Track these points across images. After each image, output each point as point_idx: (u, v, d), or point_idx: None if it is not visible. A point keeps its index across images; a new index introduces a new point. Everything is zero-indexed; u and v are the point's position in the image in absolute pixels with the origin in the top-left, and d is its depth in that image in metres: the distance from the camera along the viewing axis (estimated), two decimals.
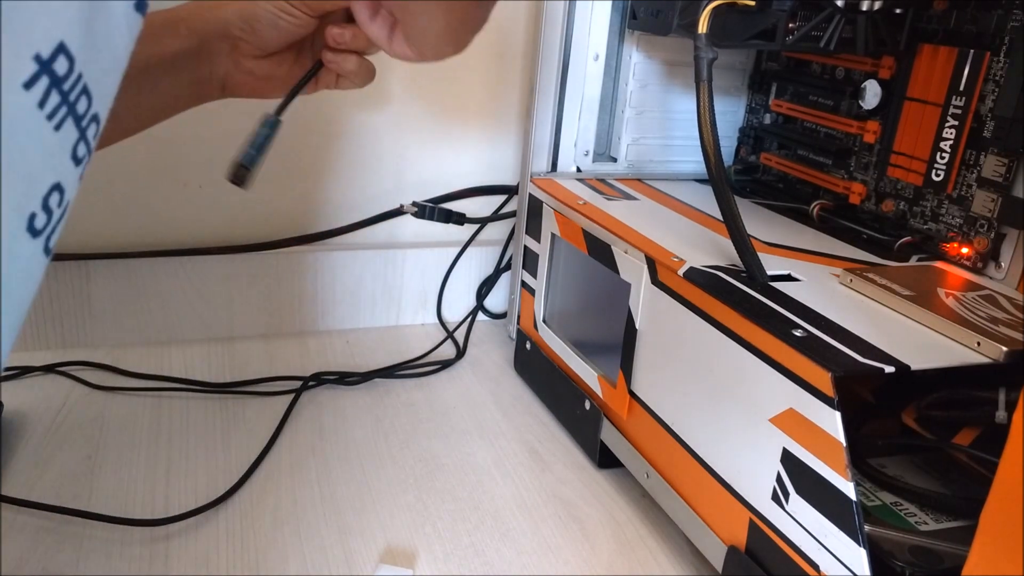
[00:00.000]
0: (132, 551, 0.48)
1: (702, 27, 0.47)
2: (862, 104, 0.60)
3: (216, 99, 0.52)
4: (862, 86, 0.60)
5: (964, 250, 0.53)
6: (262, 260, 0.74)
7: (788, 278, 0.49)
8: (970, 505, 0.42)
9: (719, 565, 0.46)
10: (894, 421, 0.47)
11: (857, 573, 0.37)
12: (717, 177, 0.46)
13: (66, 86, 0.22)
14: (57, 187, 0.23)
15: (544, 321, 0.67)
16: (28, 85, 0.21)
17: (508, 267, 0.82)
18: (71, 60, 0.22)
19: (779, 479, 0.41)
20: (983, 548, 0.29)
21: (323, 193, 0.78)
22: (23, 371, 0.66)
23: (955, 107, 0.53)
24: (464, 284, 0.83)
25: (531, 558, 0.50)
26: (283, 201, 0.77)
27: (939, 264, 0.54)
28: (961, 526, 0.42)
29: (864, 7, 0.52)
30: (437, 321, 0.82)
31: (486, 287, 0.83)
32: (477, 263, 0.82)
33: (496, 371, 0.74)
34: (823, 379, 0.37)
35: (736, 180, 0.73)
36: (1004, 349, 0.39)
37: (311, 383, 0.68)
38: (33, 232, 0.23)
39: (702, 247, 0.53)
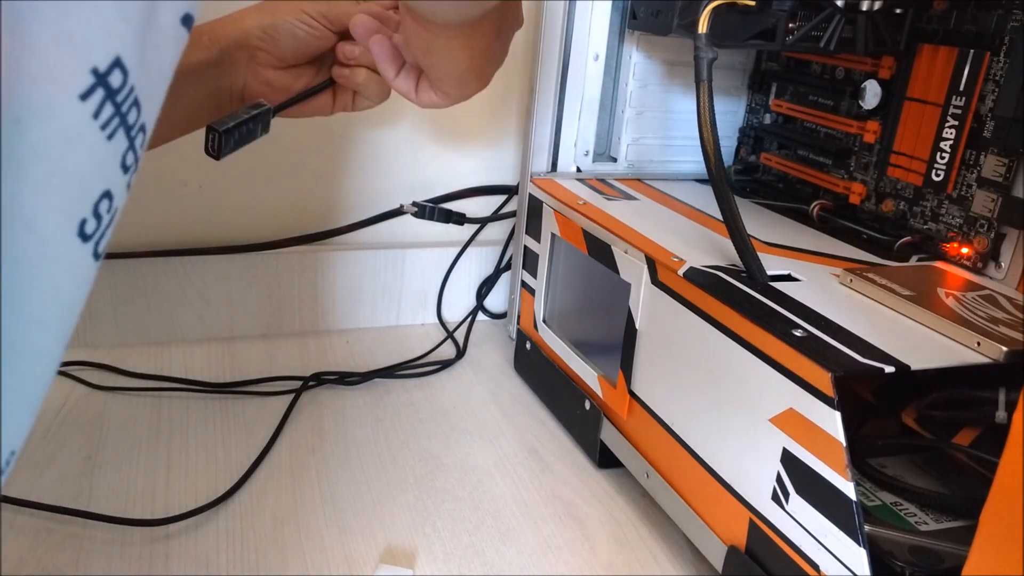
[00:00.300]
0: (132, 551, 0.48)
1: (702, 27, 0.47)
2: (862, 104, 0.60)
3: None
4: (862, 86, 0.60)
5: (964, 250, 0.53)
6: (262, 260, 0.74)
7: (788, 278, 0.49)
8: (970, 505, 0.42)
9: (719, 565, 0.46)
10: (894, 421, 0.47)
11: (857, 573, 0.37)
12: (717, 177, 0.47)
13: (119, 98, 0.23)
14: (107, 194, 0.24)
15: (544, 321, 0.67)
16: (84, 97, 0.22)
17: (508, 267, 0.83)
18: (125, 73, 0.23)
19: (779, 479, 0.41)
20: (983, 548, 0.29)
21: (323, 193, 0.78)
22: None
23: (955, 107, 0.53)
24: (464, 284, 0.83)
25: (531, 558, 0.50)
26: (283, 201, 0.77)
27: (939, 264, 0.54)
28: (961, 526, 0.42)
29: (864, 7, 0.52)
30: (437, 321, 0.82)
31: (486, 287, 0.83)
32: (477, 263, 0.83)
33: (496, 371, 0.74)
34: (823, 379, 0.37)
35: (736, 180, 0.74)
36: (1004, 349, 0.39)
37: (311, 383, 0.68)
38: (83, 237, 0.23)
39: (702, 247, 0.53)
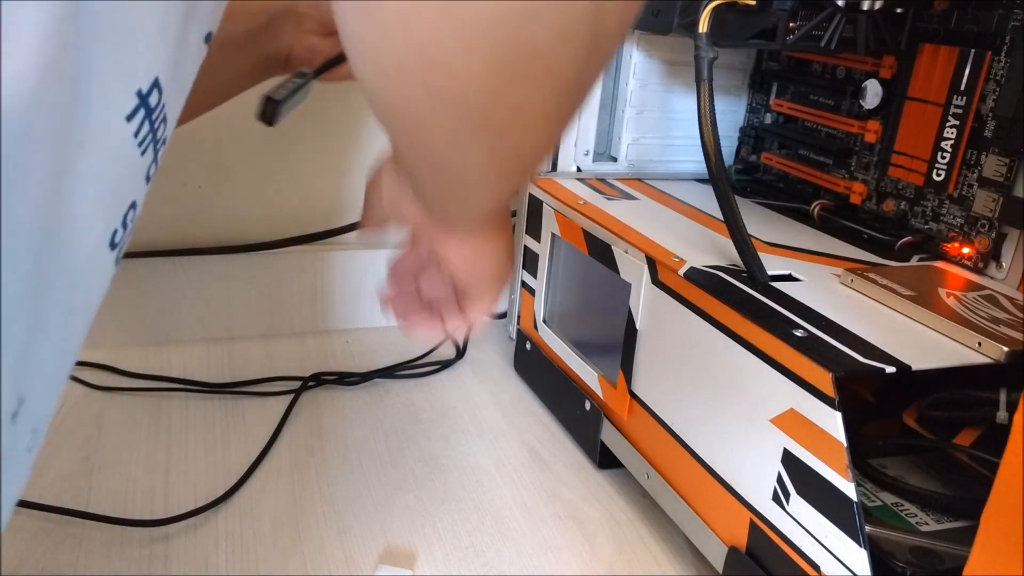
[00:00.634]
0: (131, 551, 0.48)
1: (702, 26, 0.46)
2: (863, 104, 0.60)
3: (278, 76, 0.53)
4: (863, 86, 0.60)
5: (965, 250, 0.53)
6: (262, 260, 0.74)
7: (789, 278, 0.49)
8: (971, 505, 0.42)
9: (719, 566, 0.46)
10: (895, 421, 0.47)
11: (858, 574, 0.37)
12: (718, 177, 0.46)
13: (154, 115, 0.24)
14: (133, 205, 0.25)
15: (544, 321, 0.67)
16: (130, 118, 0.23)
17: None
18: (160, 92, 0.24)
19: (780, 479, 0.41)
20: (984, 549, 0.29)
21: (323, 193, 0.78)
22: None
23: (956, 107, 0.53)
24: None
25: (531, 559, 0.50)
26: (283, 201, 0.77)
27: (940, 264, 0.54)
28: (962, 527, 0.42)
29: (865, 6, 0.52)
30: None
31: None
32: None
33: (496, 371, 0.74)
34: (824, 379, 0.37)
35: (737, 180, 0.73)
36: (1005, 349, 0.39)
37: (311, 383, 0.68)
38: (112, 246, 0.25)
39: (702, 247, 0.53)
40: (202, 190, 0.73)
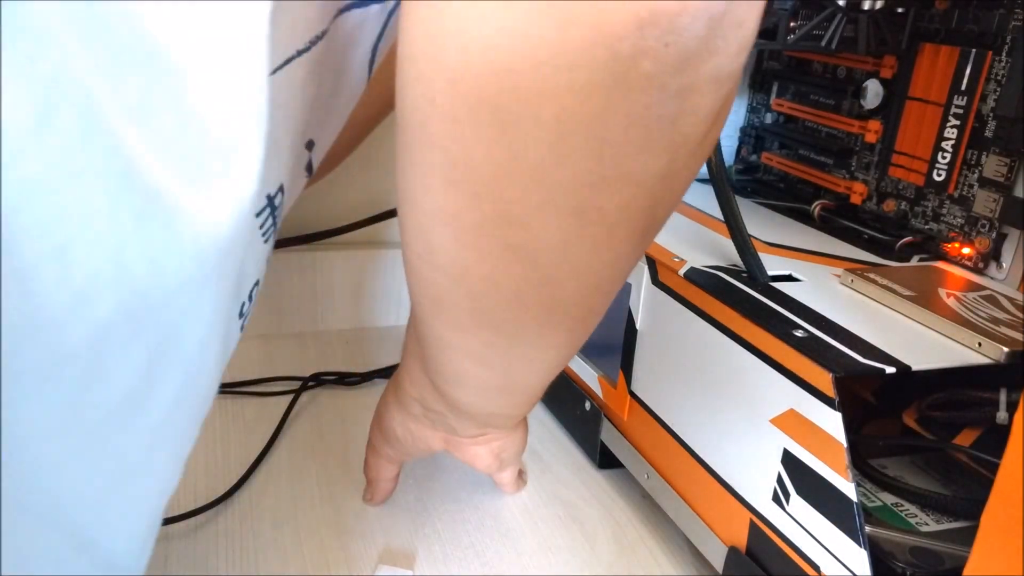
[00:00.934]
0: None
1: None
2: (863, 103, 0.60)
3: None
4: (863, 85, 0.60)
5: (965, 250, 0.53)
6: None
7: (789, 278, 0.49)
8: (971, 506, 0.42)
9: (719, 566, 0.46)
10: (895, 422, 0.47)
11: (858, 574, 0.36)
12: (718, 177, 0.46)
13: (277, 212, 0.28)
14: (257, 283, 0.30)
15: None
16: (258, 215, 0.26)
17: None
18: (283, 193, 0.28)
19: (780, 480, 0.41)
20: (984, 549, 0.29)
21: (323, 193, 0.78)
22: None
23: (957, 107, 0.53)
24: None
25: (531, 559, 0.50)
26: None
27: (940, 264, 0.54)
28: (962, 527, 0.42)
29: (866, 6, 0.52)
30: None
31: None
32: None
33: None
34: (824, 380, 0.37)
35: (737, 180, 0.73)
36: (1005, 350, 0.39)
37: (311, 383, 0.68)
38: (240, 315, 0.29)
39: (702, 247, 0.53)
40: None
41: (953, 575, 0.37)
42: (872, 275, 0.48)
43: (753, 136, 0.74)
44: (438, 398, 0.43)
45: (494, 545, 0.51)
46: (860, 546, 0.36)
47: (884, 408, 0.48)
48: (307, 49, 0.27)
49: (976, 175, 0.52)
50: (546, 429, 0.65)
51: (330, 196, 0.78)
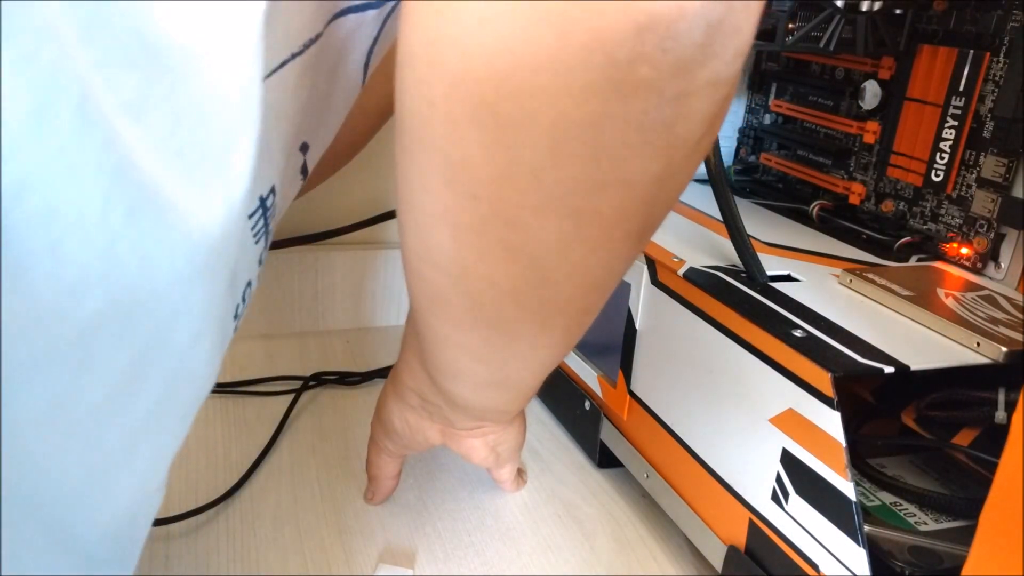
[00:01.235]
0: None
1: None
2: (862, 104, 0.60)
3: None
4: (862, 86, 0.60)
5: (964, 250, 0.53)
6: None
7: (788, 278, 0.49)
8: (970, 505, 0.42)
9: (719, 565, 0.46)
10: (894, 421, 0.47)
11: (857, 573, 0.37)
12: (717, 177, 0.47)
13: (269, 214, 0.29)
14: (249, 283, 0.30)
15: None
16: (251, 216, 0.27)
17: None
18: (275, 195, 0.29)
19: (779, 479, 0.41)
20: (983, 548, 0.29)
21: (323, 193, 0.77)
22: None
23: (955, 107, 0.53)
24: None
25: (531, 558, 0.51)
26: None
27: (939, 264, 0.54)
28: (961, 526, 0.42)
29: (864, 8, 0.52)
30: None
31: None
32: None
33: None
34: (823, 379, 0.37)
35: (736, 180, 0.74)
36: (1004, 349, 0.40)
37: (311, 383, 0.68)
38: (235, 317, 0.29)
39: (702, 247, 0.53)
40: None
41: (952, 574, 0.38)
42: (871, 275, 0.48)
43: (752, 137, 0.74)
44: (435, 391, 0.43)
45: (494, 544, 0.51)
46: (859, 545, 0.36)
47: (883, 408, 0.49)
48: (301, 52, 0.27)
49: (974, 175, 0.53)
50: (546, 428, 0.65)
51: (330, 196, 0.78)
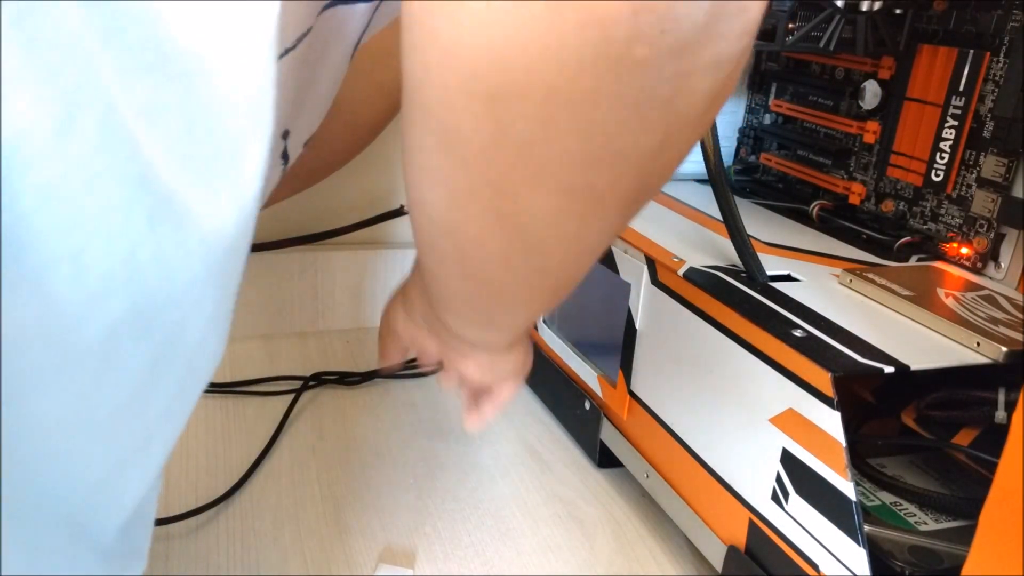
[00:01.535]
0: None
1: None
2: (862, 104, 0.60)
3: None
4: (862, 86, 0.60)
5: (964, 250, 0.53)
6: (262, 260, 0.74)
7: (788, 278, 0.49)
8: (970, 505, 0.42)
9: (719, 565, 0.46)
10: (894, 421, 0.47)
11: (857, 573, 0.37)
12: (717, 177, 0.47)
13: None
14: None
15: (544, 321, 0.67)
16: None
17: None
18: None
19: (779, 479, 0.41)
20: (983, 548, 0.29)
21: (323, 193, 0.77)
22: None
23: (955, 107, 0.53)
24: None
25: (531, 558, 0.51)
26: (283, 201, 0.77)
27: (939, 264, 0.54)
28: (961, 526, 0.42)
29: (864, 7, 0.52)
30: None
31: None
32: None
33: None
34: (823, 379, 0.37)
35: (736, 180, 0.74)
36: (1004, 349, 0.40)
37: (311, 383, 0.68)
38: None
39: (702, 247, 0.53)
40: None
41: (952, 574, 0.38)
42: (871, 275, 0.48)
43: (752, 137, 0.74)
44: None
45: (494, 544, 0.51)
46: (859, 545, 0.36)
47: (883, 408, 0.49)
48: (294, 47, 0.27)
49: (974, 175, 0.53)
50: (546, 428, 0.65)
51: (331, 196, 0.78)
